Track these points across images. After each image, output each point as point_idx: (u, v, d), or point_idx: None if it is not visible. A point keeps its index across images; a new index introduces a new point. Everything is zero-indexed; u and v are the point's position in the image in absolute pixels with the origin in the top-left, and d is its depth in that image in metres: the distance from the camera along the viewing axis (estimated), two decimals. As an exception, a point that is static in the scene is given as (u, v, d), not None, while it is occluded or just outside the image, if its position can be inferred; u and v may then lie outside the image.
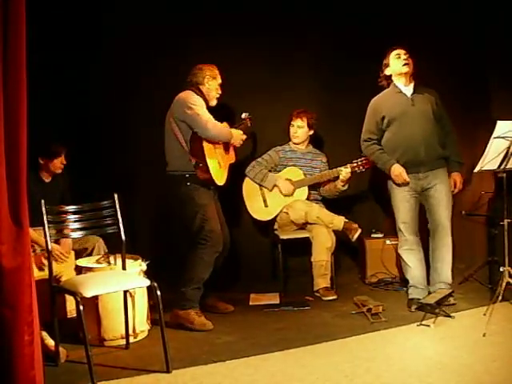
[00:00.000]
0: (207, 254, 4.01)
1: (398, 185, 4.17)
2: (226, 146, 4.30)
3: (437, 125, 4.18)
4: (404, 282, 4.45)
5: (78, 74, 4.64)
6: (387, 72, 4.25)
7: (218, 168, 4.14)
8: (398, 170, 4.13)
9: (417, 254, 4.23)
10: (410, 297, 4.19)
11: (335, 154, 5.08)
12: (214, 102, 4.27)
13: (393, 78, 4.24)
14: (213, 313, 4.20)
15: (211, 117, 4.08)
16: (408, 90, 4.20)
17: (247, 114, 4.50)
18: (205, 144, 4.05)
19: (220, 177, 4.17)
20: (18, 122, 2.39)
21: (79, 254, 4.18)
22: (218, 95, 4.27)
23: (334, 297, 4.50)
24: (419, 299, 4.07)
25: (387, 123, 4.19)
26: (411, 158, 4.13)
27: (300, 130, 4.89)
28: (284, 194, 4.83)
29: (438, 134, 4.18)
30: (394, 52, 4.19)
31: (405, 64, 4.14)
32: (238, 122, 4.47)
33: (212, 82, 4.23)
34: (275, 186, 4.84)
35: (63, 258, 4.06)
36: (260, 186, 4.87)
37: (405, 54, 4.16)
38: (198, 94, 4.15)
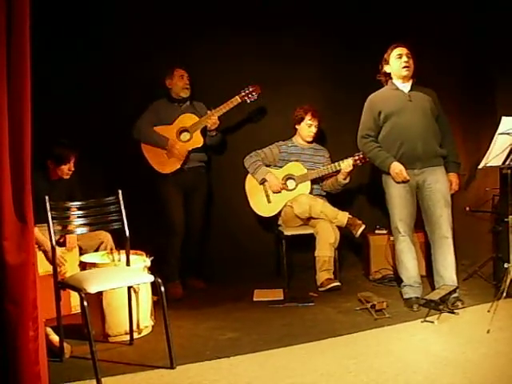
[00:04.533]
0: (167, 237, 4.67)
1: (398, 182, 4.08)
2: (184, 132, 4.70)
3: (434, 123, 4.12)
4: (398, 279, 4.38)
5: (80, 73, 4.64)
6: (387, 69, 4.18)
7: (163, 158, 4.64)
8: (398, 168, 4.05)
9: (413, 253, 4.14)
10: (407, 296, 4.13)
11: (338, 148, 5.07)
12: (184, 93, 4.74)
13: (392, 75, 4.16)
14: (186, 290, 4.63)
15: (146, 124, 4.64)
16: (405, 87, 4.12)
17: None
18: (142, 144, 4.69)
19: (168, 165, 4.65)
20: (22, 118, 2.39)
21: (87, 250, 4.20)
22: (184, 86, 4.72)
23: (337, 283, 4.51)
24: (417, 297, 4.05)
25: (384, 118, 4.12)
26: (408, 153, 4.05)
27: (316, 128, 4.91)
28: (272, 191, 4.86)
29: (436, 132, 4.11)
30: (396, 51, 4.09)
31: (405, 67, 4.06)
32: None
33: (171, 81, 4.72)
34: (264, 179, 4.86)
35: (63, 262, 4.06)
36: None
37: (406, 55, 4.06)
38: (169, 98, 4.73)
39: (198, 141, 4.66)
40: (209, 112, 4.67)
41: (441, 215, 4.05)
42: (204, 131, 4.69)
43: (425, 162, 4.08)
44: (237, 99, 4.68)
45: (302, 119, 4.89)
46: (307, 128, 4.90)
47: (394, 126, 4.10)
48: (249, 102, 4.73)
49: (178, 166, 4.64)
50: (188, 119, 4.68)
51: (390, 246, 4.88)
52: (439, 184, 4.07)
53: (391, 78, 4.18)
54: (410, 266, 4.14)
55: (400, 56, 4.07)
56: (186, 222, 4.74)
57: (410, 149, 4.05)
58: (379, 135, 4.19)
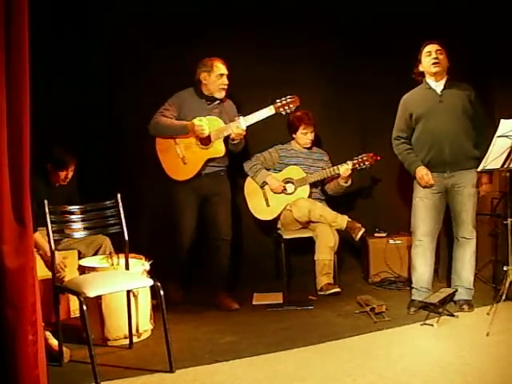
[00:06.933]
0: (177, 242, 4.41)
1: (423, 186, 4.04)
2: (205, 140, 4.26)
3: (468, 122, 3.99)
4: (410, 281, 4.37)
5: (80, 74, 4.65)
6: (420, 68, 4.07)
7: (178, 164, 4.27)
8: (421, 172, 4.00)
9: (428, 259, 4.10)
10: (413, 298, 4.15)
11: (337, 151, 5.06)
12: (219, 94, 4.32)
13: (425, 74, 4.07)
14: (218, 310, 4.28)
15: (164, 115, 4.25)
16: (438, 85, 4.02)
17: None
18: (157, 140, 4.33)
19: (183, 172, 4.29)
20: (21, 121, 2.39)
21: (86, 254, 4.19)
22: (221, 86, 4.30)
23: (337, 289, 4.50)
24: (420, 301, 4.05)
25: (415, 121, 4.05)
26: (436, 157, 3.99)
27: (312, 134, 4.91)
28: (273, 192, 4.84)
29: (468, 132, 3.98)
30: (426, 49, 4.01)
31: (434, 63, 3.97)
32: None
33: (208, 77, 4.29)
34: (265, 182, 4.85)
35: (63, 267, 4.02)
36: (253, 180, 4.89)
37: (436, 52, 3.98)
38: (197, 91, 4.33)
39: (219, 150, 4.25)
40: (236, 119, 4.25)
41: (465, 218, 4.03)
42: (226, 138, 4.28)
43: (454, 165, 4.01)
44: (271, 109, 4.25)
45: (297, 129, 4.89)
46: (303, 136, 4.89)
47: (423, 130, 4.04)
48: (284, 114, 4.31)
49: (194, 174, 4.27)
50: (212, 124, 4.24)
51: (389, 249, 4.89)
52: (468, 188, 4.00)
53: (425, 77, 4.09)
54: (421, 271, 4.12)
55: (429, 53, 4.00)
56: (208, 231, 4.47)
57: (438, 153, 3.99)
58: (412, 137, 4.12)
